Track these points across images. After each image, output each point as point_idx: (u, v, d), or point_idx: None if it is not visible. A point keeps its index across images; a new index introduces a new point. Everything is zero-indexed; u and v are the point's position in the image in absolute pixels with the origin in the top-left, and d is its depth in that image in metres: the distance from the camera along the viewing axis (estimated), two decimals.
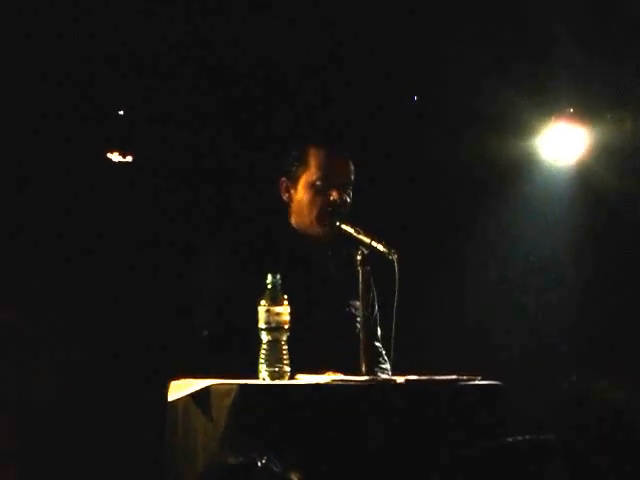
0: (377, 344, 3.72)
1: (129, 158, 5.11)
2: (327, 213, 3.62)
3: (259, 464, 2.27)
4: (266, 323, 3.17)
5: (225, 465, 2.27)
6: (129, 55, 4.93)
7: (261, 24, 5.10)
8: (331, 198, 3.63)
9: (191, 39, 5.02)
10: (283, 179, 3.74)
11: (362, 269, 3.42)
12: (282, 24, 5.14)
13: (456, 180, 5.76)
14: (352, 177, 3.71)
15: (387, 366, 3.66)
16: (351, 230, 3.53)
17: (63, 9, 4.77)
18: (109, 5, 4.83)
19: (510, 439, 2.54)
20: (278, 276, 3.20)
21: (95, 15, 4.81)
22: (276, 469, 2.26)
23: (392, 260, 3.39)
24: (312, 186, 3.65)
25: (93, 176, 5.00)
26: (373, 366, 3.54)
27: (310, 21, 5.19)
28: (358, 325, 3.65)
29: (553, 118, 5.81)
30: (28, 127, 4.87)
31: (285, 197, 3.73)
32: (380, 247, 3.43)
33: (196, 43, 5.03)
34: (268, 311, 3.17)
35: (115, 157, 5.08)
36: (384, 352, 3.72)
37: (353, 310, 3.68)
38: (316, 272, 3.67)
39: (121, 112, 5.08)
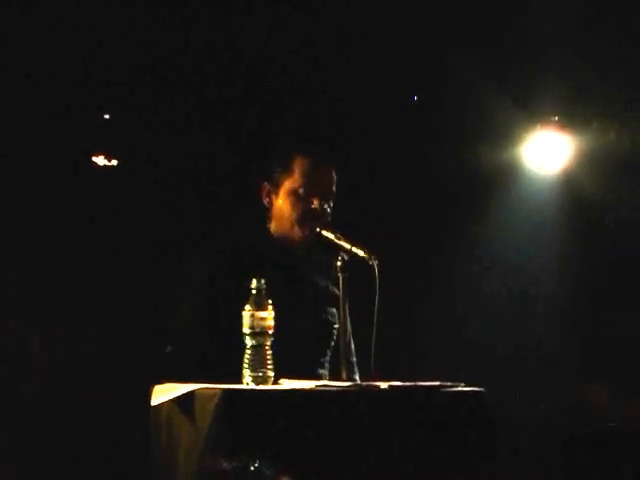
0: None
1: (114, 162, 5.11)
2: (307, 219, 3.61)
3: (252, 468, 2.28)
4: (250, 328, 3.17)
5: (219, 468, 2.28)
6: (115, 59, 4.94)
7: (252, 25, 5.10)
8: (312, 206, 3.63)
9: (176, 43, 5.02)
10: (265, 184, 3.73)
11: (342, 275, 3.42)
12: (276, 26, 5.14)
13: (442, 188, 5.78)
14: (334, 187, 3.71)
15: (357, 377, 3.66)
16: (331, 236, 3.52)
17: (50, 13, 4.77)
18: (95, 9, 4.83)
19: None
20: (263, 281, 3.20)
21: (82, 18, 4.81)
22: (268, 473, 2.27)
23: (372, 266, 3.39)
24: (294, 193, 3.65)
25: (78, 180, 5.00)
26: (351, 372, 3.54)
27: (305, 24, 5.19)
28: (334, 332, 3.65)
29: (538, 126, 5.84)
30: (13, 131, 4.86)
31: (265, 202, 3.72)
32: (360, 253, 3.42)
33: (181, 47, 5.04)
34: (252, 316, 3.17)
35: (100, 161, 5.08)
36: (355, 360, 3.72)
37: (330, 317, 3.68)
38: (293, 278, 3.66)
39: (107, 116, 5.08)
